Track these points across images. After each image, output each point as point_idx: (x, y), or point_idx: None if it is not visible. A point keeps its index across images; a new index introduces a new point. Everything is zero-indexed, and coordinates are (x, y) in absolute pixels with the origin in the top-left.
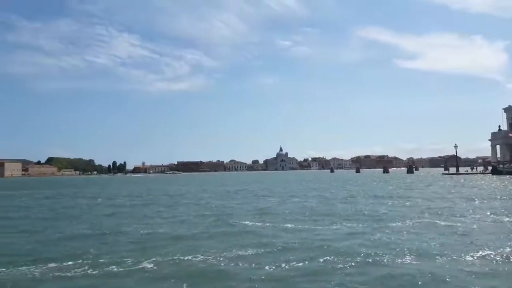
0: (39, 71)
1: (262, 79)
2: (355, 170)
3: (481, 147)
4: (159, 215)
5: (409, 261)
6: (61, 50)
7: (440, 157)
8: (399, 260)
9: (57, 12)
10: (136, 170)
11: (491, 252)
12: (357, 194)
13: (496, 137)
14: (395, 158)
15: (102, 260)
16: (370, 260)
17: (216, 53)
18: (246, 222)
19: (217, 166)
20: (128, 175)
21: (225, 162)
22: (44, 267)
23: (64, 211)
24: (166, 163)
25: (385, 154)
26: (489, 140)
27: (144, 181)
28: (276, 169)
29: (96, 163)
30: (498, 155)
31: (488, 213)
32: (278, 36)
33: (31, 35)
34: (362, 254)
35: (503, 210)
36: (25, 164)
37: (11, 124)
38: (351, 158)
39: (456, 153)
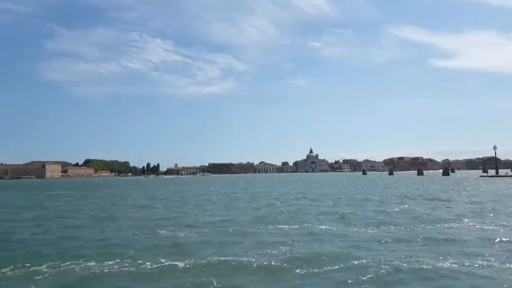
0: (78, 77)
1: (292, 81)
2: (388, 172)
3: None
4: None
5: None
6: (99, 56)
7: (478, 158)
8: None
9: (95, 20)
10: (168, 171)
11: None
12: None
13: None
14: (430, 160)
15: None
16: None
17: (246, 57)
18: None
19: (247, 168)
20: (159, 176)
21: (255, 163)
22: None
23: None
24: (197, 164)
25: (420, 156)
26: None
27: (184, 182)
28: (306, 171)
29: (131, 165)
30: None
31: None
32: (309, 38)
33: (70, 43)
34: None
35: None
36: (64, 166)
37: (52, 128)
38: (384, 160)
39: (496, 154)
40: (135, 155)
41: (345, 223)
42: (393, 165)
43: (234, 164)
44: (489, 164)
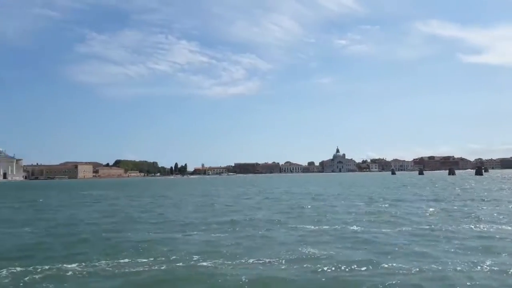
0: (107, 79)
1: (318, 80)
2: (417, 172)
3: None
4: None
5: None
6: (127, 59)
7: None
8: None
9: (123, 23)
10: (195, 171)
11: None
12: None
13: None
14: (462, 159)
15: None
16: None
17: (270, 56)
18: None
19: (272, 168)
20: (185, 176)
21: (280, 163)
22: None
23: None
24: (223, 165)
25: (451, 155)
26: None
27: (217, 182)
28: (332, 171)
29: (159, 165)
30: None
31: None
32: (334, 36)
33: (100, 46)
34: None
35: None
36: (96, 166)
37: (83, 129)
38: (414, 159)
39: None
40: (163, 155)
41: None
42: (423, 164)
43: (259, 164)
44: None
